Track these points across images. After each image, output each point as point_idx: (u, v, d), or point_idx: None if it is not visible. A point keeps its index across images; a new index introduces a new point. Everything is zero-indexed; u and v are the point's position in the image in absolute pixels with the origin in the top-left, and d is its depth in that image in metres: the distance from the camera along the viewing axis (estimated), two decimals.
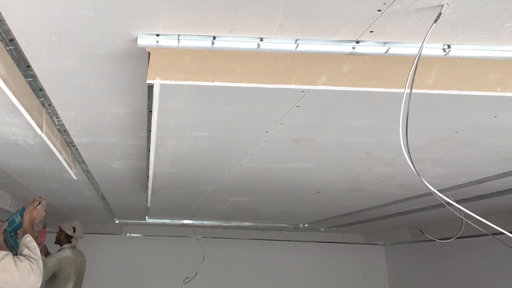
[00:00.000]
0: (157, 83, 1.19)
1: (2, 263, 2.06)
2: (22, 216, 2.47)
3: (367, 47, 1.21)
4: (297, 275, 6.62)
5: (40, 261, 2.23)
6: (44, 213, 2.58)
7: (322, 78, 1.21)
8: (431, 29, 1.08)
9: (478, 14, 1.07)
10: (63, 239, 4.26)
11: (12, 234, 2.51)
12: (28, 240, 2.30)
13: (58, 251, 4.22)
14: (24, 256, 2.20)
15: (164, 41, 1.17)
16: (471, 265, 5.08)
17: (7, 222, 2.48)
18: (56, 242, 4.30)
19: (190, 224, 5.70)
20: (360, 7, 1.05)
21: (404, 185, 2.89)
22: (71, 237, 4.27)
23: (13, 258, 2.13)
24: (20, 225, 2.49)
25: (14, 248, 2.47)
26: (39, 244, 2.35)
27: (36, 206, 2.55)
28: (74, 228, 4.27)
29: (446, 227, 4.70)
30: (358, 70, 1.22)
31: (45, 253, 4.36)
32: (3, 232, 2.46)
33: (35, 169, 2.82)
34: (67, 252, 4.19)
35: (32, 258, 2.19)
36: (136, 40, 1.18)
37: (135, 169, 2.79)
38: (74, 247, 4.31)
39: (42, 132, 1.69)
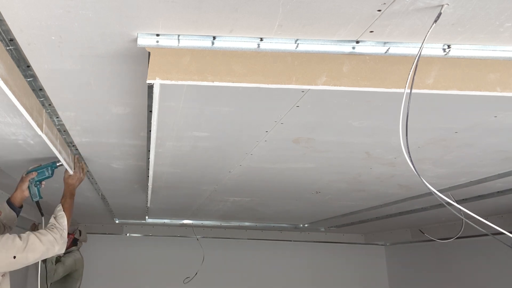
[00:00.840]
0: (157, 83, 1.19)
1: (29, 243, 2.15)
2: (52, 171, 2.43)
3: (367, 47, 1.21)
4: (297, 275, 6.61)
5: (65, 231, 2.29)
6: (83, 177, 2.54)
7: (322, 78, 1.21)
8: (431, 29, 1.08)
9: (478, 14, 1.07)
10: (70, 242, 4.52)
11: (37, 182, 2.45)
12: (58, 210, 2.37)
13: (67, 252, 4.43)
14: (49, 226, 2.29)
15: (164, 41, 1.17)
16: (471, 265, 5.08)
17: (37, 172, 2.43)
18: None
19: (190, 224, 5.70)
20: (360, 7, 1.04)
21: (404, 185, 2.89)
22: (77, 240, 4.65)
23: (36, 234, 2.20)
24: (48, 178, 2.46)
25: (36, 196, 2.44)
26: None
27: (74, 169, 2.47)
28: (80, 232, 4.68)
29: (446, 227, 4.70)
30: (358, 70, 1.22)
31: None
32: (29, 180, 2.43)
33: None
34: (77, 253, 4.57)
35: (57, 227, 2.27)
36: (136, 40, 1.18)
37: (135, 169, 2.79)
38: (78, 250, 4.65)
39: (42, 132, 1.69)
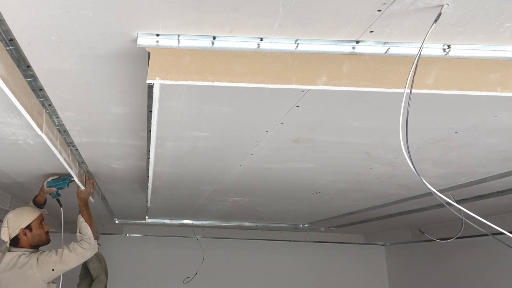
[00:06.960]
0: (157, 83, 1.19)
1: (64, 256, 2.63)
2: (68, 185, 2.84)
3: (367, 47, 1.21)
4: (297, 275, 6.61)
5: (91, 238, 2.72)
6: (93, 191, 2.95)
7: (322, 78, 1.21)
8: (431, 29, 1.08)
9: (478, 14, 1.07)
10: None
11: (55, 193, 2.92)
12: (80, 222, 2.79)
13: None
14: (78, 239, 2.72)
15: (164, 41, 1.17)
16: (471, 265, 5.08)
17: (56, 188, 2.85)
18: None
19: (190, 224, 5.70)
20: (360, 7, 1.05)
21: (404, 185, 2.89)
22: None
23: (68, 247, 2.67)
24: (63, 189, 2.88)
25: (55, 196, 2.92)
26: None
27: (85, 186, 2.88)
28: None
29: (446, 227, 4.70)
30: (358, 70, 1.22)
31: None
32: (50, 193, 2.89)
33: (35, 169, 2.82)
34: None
35: (84, 239, 2.70)
36: (136, 40, 1.18)
37: (135, 169, 2.79)
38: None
39: (42, 132, 1.69)
